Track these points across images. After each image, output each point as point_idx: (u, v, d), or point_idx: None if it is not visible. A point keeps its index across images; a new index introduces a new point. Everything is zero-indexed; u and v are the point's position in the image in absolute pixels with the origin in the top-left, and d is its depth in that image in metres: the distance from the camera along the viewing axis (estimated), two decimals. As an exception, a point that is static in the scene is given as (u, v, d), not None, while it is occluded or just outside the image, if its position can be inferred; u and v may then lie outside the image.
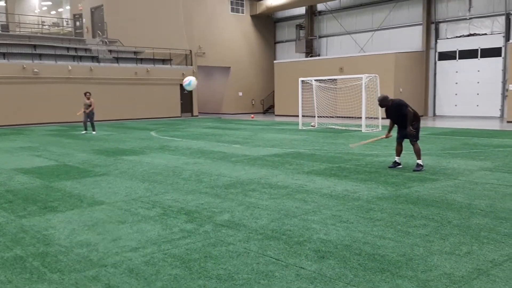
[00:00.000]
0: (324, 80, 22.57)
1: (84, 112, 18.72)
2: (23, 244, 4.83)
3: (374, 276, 3.89)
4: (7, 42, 25.85)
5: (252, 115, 31.91)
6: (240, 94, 35.81)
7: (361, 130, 18.40)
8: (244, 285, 3.73)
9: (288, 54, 35.98)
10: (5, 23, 31.96)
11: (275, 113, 33.38)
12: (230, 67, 35.00)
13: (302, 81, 21.49)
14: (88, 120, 18.86)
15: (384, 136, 9.54)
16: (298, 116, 21.62)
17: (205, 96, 36.93)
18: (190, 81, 11.89)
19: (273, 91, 34.48)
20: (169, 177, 8.59)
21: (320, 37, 33.79)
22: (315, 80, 21.49)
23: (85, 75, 26.56)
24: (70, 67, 26.03)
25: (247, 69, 35.96)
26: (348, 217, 5.70)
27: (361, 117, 19.15)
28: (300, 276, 3.90)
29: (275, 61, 34.26)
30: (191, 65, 31.80)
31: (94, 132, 18.73)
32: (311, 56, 33.37)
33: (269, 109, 36.59)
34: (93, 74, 26.86)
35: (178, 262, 4.26)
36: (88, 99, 18.59)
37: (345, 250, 4.52)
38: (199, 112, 33.62)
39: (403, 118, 8.87)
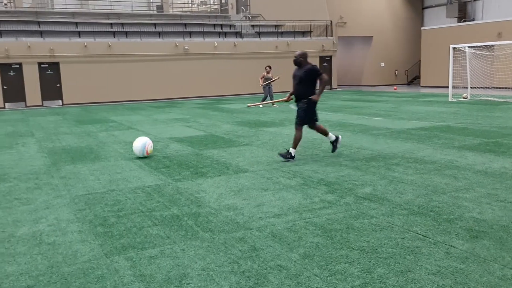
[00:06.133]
0: (479, 46, 20.45)
1: (266, 85, 18.63)
2: (179, 205, 5.31)
3: (539, 262, 3.46)
4: (162, 21, 28.25)
5: (395, 87, 30.42)
6: (382, 64, 34.30)
7: (522, 102, 16.40)
8: (389, 259, 3.61)
9: (438, 20, 33.22)
10: (160, 3, 34.89)
11: (421, 84, 31.37)
12: (372, 36, 33.63)
13: (454, 48, 19.75)
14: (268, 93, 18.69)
15: (286, 98, 8.08)
16: (447, 87, 20.02)
17: (344, 68, 36.13)
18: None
19: (419, 61, 32.34)
20: (308, 149, 8.66)
21: (475, -1, 30.58)
22: (469, 47, 19.59)
23: (229, 51, 27.87)
24: (216, 44, 27.51)
25: (390, 38, 34.19)
26: (506, 196, 5.15)
27: (522, 87, 17.03)
28: (450, 254, 3.65)
29: (422, 28, 31.98)
30: (331, 36, 31.29)
31: (261, 105, 18.16)
32: (464, 21, 30.39)
33: (414, 80, 34.49)
34: (236, 50, 28.05)
35: (319, 231, 4.29)
36: (268, 73, 18.66)
37: (502, 230, 4.10)
38: (338, 85, 33.11)
39: None
